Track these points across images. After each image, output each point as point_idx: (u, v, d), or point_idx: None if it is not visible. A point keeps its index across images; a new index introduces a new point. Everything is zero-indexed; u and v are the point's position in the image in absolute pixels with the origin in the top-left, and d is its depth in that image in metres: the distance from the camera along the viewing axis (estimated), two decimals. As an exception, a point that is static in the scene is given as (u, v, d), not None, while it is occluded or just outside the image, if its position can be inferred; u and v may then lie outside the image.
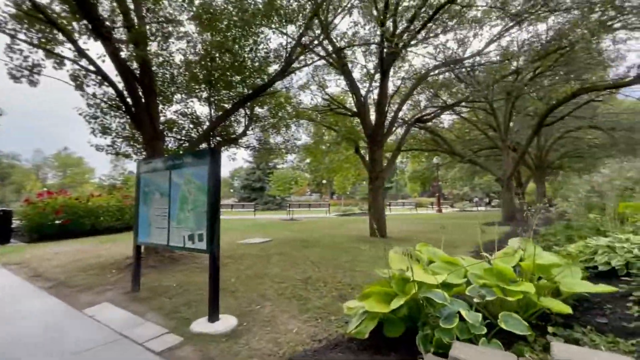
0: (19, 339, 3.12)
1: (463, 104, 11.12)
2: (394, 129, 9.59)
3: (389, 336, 2.45)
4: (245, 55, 8.18)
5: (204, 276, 5.23)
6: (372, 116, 9.30)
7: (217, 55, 8.15)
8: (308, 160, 15.20)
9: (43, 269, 5.90)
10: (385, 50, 7.68)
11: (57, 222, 9.67)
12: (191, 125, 8.91)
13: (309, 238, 9.17)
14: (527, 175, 20.72)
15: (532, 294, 2.03)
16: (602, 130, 14.65)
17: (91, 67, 5.82)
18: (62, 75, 6.38)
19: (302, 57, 7.69)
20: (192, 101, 8.71)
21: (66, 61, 6.10)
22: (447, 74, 10.85)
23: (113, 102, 7.03)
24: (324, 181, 45.91)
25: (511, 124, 13.74)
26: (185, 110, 8.70)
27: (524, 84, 10.18)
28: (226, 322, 3.45)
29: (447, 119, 16.94)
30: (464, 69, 10.70)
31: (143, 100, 6.07)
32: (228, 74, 8.39)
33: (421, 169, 21.17)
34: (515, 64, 10.39)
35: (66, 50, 6.13)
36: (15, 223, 10.06)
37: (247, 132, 9.94)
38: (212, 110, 8.45)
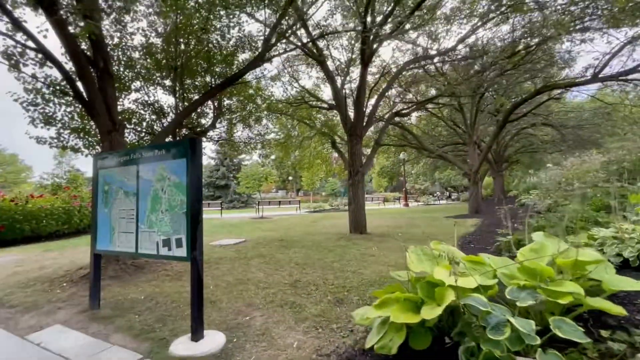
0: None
1: (436, 100, 11.25)
2: (373, 122, 9.39)
3: (416, 349, 2.16)
4: (215, 40, 7.50)
5: (177, 285, 4.62)
6: (350, 109, 9.03)
7: (181, 40, 7.38)
8: (273, 157, 14.65)
9: (-30, 287, 4.88)
10: (369, 37, 7.39)
11: (-13, 228, 8.25)
12: (153, 117, 8.01)
13: (286, 237, 8.72)
14: (483, 170, 21.94)
15: (581, 294, 1.84)
16: (553, 127, 15.82)
17: (30, 44, 4.87)
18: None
19: (278, 45, 7.16)
20: (154, 89, 7.82)
21: (-4, 35, 5.05)
22: (419, 70, 10.91)
23: (58, 87, 6.02)
24: (290, 178, 45.31)
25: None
26: (146, 99, 7.79)
27: (492, 82, 10.54)
28: (213, 339, 2.97)
29: (414, 114, 17.24)
30: (434, 65, 10.83)
31: (97, 85, 5.23)
32: (194, 60, 7.65)
33: (389, 164, 21.50)
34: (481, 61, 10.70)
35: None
36: None
37: (216, 124, 9.21)
38: (178, 101, 7.65)
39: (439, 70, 10.95)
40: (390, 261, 5.51)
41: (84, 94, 5.15)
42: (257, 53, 6.86)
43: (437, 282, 2.15)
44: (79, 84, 5.14)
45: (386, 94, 10.43)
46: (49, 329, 3.40)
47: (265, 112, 10.43)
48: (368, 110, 8.95)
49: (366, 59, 8.16)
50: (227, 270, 5.34)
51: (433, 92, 12.23)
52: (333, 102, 9.13)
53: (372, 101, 9.57)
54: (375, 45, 8.29)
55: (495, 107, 13.78)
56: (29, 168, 61.30)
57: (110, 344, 3.04)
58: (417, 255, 2.57)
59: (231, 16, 6.90)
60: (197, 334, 2.95)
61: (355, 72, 9.78)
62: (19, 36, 4.81)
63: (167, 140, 6.52)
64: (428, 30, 9.04)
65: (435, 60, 10.36)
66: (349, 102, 9.23)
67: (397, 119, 11.60)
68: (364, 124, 8.45)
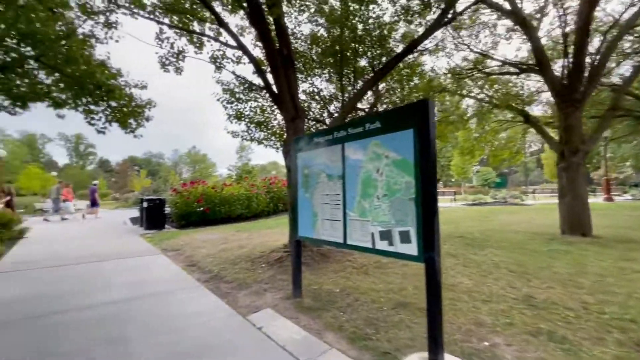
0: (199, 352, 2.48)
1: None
2: (599, 78, 6.58)
3: None
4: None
5: (368, 281, 4.15)
6: (557, 69, 6.70)
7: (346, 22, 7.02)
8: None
9: (196, 259, 5.81)
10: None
11: (198, 209, 10.32)
12: (317, 106, 8.09)
13: (465, 234, 7.36)
14: None
15: None
16: None
17: (231, 42, 5.32)
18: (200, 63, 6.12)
19: None
20: (319, 77, 7.85)
21: (205, 42, 5.78)
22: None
23: (247, 83, 6.60)
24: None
25: None
26: (313, 88, 7.89)
27: None
28: (458, 371, 2.17)
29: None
30: None
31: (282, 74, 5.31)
32: (355, 45, 7.20)
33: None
34: None
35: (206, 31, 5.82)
36: (167, 210, 11.21)
37: (375, 109, 8.64)
38: (342, 86, 7.39)
39: None
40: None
41: (273, 85, 5.31)
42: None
43: None
44: (269, 75, 5.31)
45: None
46: (263, 312, 3.39)
47: (429, 91, 9.18)
48: (597, 57, 6.20)
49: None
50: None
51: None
52: (534, 62, 6.77)
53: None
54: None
55: None
56: (213, 164, 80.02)
57: (327, 345, 2.67)
58: None
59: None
60: (436, 357, 2.22)
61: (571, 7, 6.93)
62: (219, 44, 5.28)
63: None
64: None
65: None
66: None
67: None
68: (587, 82, 5.98)
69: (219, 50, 5.83)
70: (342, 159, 3.11)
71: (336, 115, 6.82)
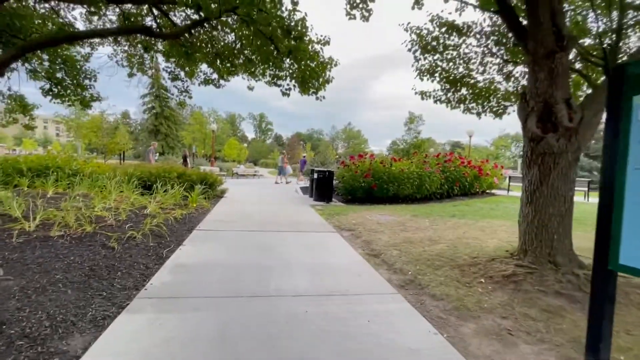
0: None
1: None
2: None
3: None
4: None
5: None
6: None
7: None
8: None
9: (377, 247, 4.77)
10: None
11: (364, 184, 9.53)
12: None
13: None
14: None
15: None
16: None
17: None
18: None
19: None
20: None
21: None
22: None
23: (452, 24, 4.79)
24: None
25: None
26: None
27: None
28: None
29: None
30: None
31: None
32: None
33: None
34: None
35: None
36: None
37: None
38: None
39: None
40: None
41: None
42: None
43: None
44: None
45: None
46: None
47: None
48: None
49: None
50: None
51: None
52: None
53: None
54: None
55: None
56: (365, 140, 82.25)
57: None
58: None
59: None
60: None
61: None
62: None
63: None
64: None
65: None
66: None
67: None
68: None
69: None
70: None
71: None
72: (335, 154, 65.16)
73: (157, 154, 33.66)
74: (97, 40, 8.24)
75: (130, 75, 8.24)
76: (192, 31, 6.42)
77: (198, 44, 7.21)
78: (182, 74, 7.80)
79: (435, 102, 5.60)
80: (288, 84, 5.34)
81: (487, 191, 12.91)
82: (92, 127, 31.04)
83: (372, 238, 5.28)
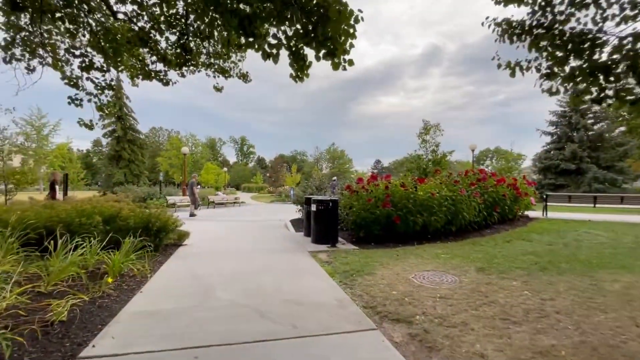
0: None
1: None
2: None
3: None
4: None
5: None
6: None
7: None
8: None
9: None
10: None
11: (381, 217, 6.83)
12: None
13: None
14: None
15: None
16: None
17: None
18: None
19: None
20: None
21: None
22: None
23: None
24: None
25: None
26: None
27: None
28: None
29: None
30: None
31: None
32: None
33: None
34: None
35: None
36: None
37: None
38: None
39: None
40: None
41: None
42: None
43: None
44: None
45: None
46: None
47: None
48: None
49: None
50: None
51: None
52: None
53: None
54: None
55: None
56: (350, 160, 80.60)
57: None
58: None
59: None
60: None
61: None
62: None
63: None
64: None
65: None
66: None
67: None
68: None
69: None
70: None
71: None
72: (320, 174, 62.53)
73: (127, 184, 29.86)
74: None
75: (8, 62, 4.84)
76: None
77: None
78: (101, 59, 4.99)
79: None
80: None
81: (521, 214, 10.48)
82: None
83: (463, 349, 2.51)
